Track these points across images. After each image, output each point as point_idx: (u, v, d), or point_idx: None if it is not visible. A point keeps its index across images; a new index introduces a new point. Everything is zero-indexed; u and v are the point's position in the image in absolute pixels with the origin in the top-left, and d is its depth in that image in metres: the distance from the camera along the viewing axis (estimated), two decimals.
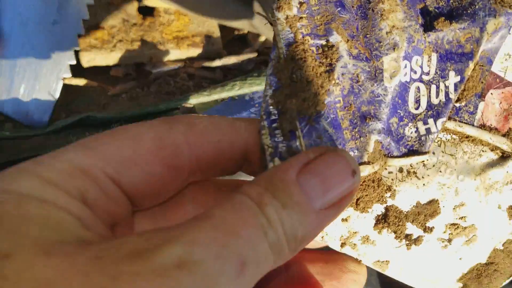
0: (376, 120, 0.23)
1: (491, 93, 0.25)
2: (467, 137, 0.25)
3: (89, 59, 0.55)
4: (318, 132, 0.23)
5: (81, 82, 0.56)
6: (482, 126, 0.25)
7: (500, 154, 0.26)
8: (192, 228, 0.16)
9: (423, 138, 0.24)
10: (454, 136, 0.26)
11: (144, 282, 0.14)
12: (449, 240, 0.28)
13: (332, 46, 0.23)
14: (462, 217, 0.28)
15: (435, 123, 0.24)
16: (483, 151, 0.26)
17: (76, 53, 0.51)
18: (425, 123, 0.24)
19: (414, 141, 0.24)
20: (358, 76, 0.24)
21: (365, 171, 0.23)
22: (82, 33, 0.49)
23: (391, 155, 0.24)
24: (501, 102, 0.26)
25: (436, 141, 0.25)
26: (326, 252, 0.28)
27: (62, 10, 0.48)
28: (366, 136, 0.23)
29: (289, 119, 0.23)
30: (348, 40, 0.24)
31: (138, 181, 0.20)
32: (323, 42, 0.23)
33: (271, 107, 0.23)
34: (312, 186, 0.19)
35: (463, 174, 0.27)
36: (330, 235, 0.26)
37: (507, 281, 0.29)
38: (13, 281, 0.14)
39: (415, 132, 0.24)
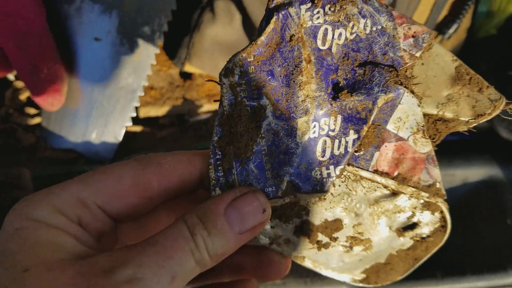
0: (289, 166, 0.27)
1: (386, 145, 0.28)
2: (365, 177, 0.29)
3: (145, 112, 0.70)
4: (247, 172, 0.27)
5: (138, 128, 0.70)
6: (376, 171, 0.28)
7: (391, 190, 0.29)
8: (142, 253, 0.22)
9: (324, 180, 0.28)
10: (356, 175, 0.29)
11: None
12: (351, 247, 0.32)
13: (261, 107, 0.27)
14: (360, 232, 0.31)
15: (335, 170, 0.27)
16: (378, 187, 0.29)
17: (136, 108, 0.65)
18: (327, 168, 0.28)
19: (318, 182, 0.28)
20: (278, 132, 0.27)
21: (278, 202, 0.28)
22: (142, 94, 0.64)
23: (299, 192, 0.28)
24: (393, 152, 0.28)
25: (342, 177, 0.29)
26: (260, 248, 0.33)
27: (129, 78, 0.64)
28: (281, 177, 0.27)
29: (228, 160, 0.28)
30: (274, 103, 0.27)
31: (119, 209, 0.26)
32: (256, 104, 0.27)
33: (216, 149, 0.28)
34: (234, 217, 0.25)
35: (361, 203, 0.30)
36: (262, 237, 0.32)
37: (402, 277, 0.34)
38: (29, 287, 0.21)
39: (320, 175, 0.28)
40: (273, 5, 0.27)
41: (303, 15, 0.27)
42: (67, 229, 0.24)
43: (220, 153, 0.28)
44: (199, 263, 0.24)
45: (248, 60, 0.27)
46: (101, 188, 0.26)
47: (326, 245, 0.32)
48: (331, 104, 0.27)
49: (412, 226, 0.31)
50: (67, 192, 0.25)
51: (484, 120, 0.27)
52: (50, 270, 0.21)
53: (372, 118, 0.27)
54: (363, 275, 0.35)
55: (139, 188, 0.26)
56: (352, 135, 0.27)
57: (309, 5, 0.27)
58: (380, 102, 0.26)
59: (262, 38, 0.27)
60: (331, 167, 0.28)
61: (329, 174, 0.28)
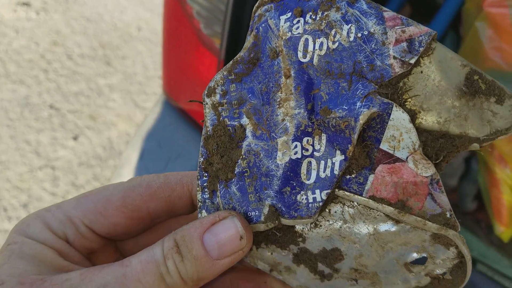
0: (270, 190, 0.26)
1: (381, 168, 0.24)
2: (360, 203, 0.25)
3: None
4: (230, 195, 0.27)
5: None
6: (372, 197, 0.24)
7: (394, 219, 0.25)
8: (110, 274, 0.24)
9: (310, 205, 0.25)
10: (351, 202, 0.25)
11: None
12: (356, 280, 0.29)
13: (242, 127, 0.27)
14: (363, 265, 0.27)
15: (321, 194, 0.25)
16: (378, 215, 0.25)
17: None
18: (313, 193, 0.25)
19: (303, 207, 0.25)
20: (259, 154, 0.26)
21: (261, 227, 0.26)
22: None
23: (283, 217, 0.26)
24: (391, 175, 0.24)
25: (337, 202, 0.26)
26: (261, 273, 0.32)
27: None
28: (263, 201, 0.26)
29: (213, 182, 0.27)
30: (254, 122, 0.26)
31: (108, 228, 0.28)
32: (236, 123, 0.27)
33: (202, 171, 0.27)
34: (211, 242, 0.25)
35: (359, 231, 0.26)
36: (261, 263, 0.30)
37: None
38: None
39: (305, 199, 0.25)
40: (256, 18, 0.26)
41: (282, 26, 0.25)
42: (52, 244, 0.26)
43: (206, 174, 0.27)
44: (171, 286, 0.25)
45: (230, 78, 0.26)
46: (90, 208, 0.28)
47: (328, 277, 0.29)
48: (312, 122, 0.25)
49: (422, 260, 0.27)
50: (61, 211, 0.27)
51: (503, 137, 0.22)
52: (22, 284, 0.23)
53: (356, 136, 0.24)
54: None
55: (126, 209, 0.28)
56: (338, 156, 0.24)
57: (288, 14, 0.25)
58: (363, 118, 0.23)
59: (242, 54, 0.26)
60: (317, 191, 0.25)
61: (315, 199, 0.25)
